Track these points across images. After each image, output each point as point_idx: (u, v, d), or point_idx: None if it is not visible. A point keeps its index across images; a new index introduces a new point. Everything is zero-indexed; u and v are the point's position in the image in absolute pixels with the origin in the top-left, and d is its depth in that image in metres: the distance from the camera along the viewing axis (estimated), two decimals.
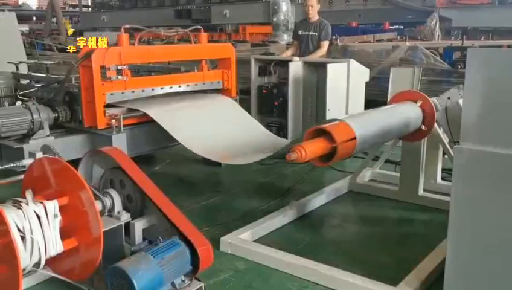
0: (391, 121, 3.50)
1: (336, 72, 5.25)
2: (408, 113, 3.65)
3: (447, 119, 3.97)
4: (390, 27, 12.76)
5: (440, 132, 4.01)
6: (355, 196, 4.43)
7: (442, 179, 4.47)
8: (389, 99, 4.12)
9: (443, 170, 4.49)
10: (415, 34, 11.51)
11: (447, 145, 4.01)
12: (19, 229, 2.34)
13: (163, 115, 4.39)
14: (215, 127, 4.66)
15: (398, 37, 11.11)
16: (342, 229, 3.83)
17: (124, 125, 4.24)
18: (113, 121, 4.19)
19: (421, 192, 4.16)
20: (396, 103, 3.79)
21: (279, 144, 4.51)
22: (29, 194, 2.53)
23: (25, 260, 2.36)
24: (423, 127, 3.73)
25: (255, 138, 4.76)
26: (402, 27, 13.03)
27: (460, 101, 3.85)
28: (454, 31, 12.04)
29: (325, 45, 6.23)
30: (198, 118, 4.64)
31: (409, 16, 12.44)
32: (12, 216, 2.33)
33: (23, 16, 20.62)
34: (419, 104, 3.71)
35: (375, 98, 6.00)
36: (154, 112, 4.38)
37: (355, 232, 3.80)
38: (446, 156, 4.21)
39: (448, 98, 4.02)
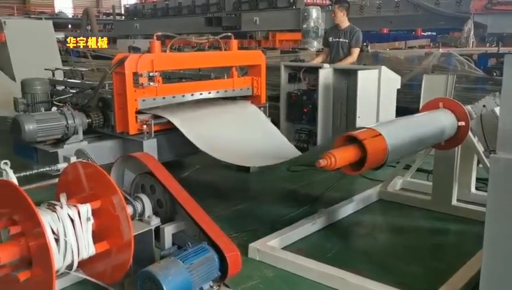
0: (424, 130, 3.43)
1: (366, 79, 5.19)
2: (442, 120, 3.57)
3: (482, 127, 3.88)
4: (423, 33, 12.55)
5: (475, 140, 3.91)
6: (385, 205, 4.36)
7: (477, 189, 4.36)
8: (421, 107, 4.04)
9: (477, 179, 4.38)
10: (449, 40, 11.29)
11: (482, 155, 3.90)
12: (53, 232, 2.40)
13: (188, 125, 4.42)
14: (237, 134, 4.71)
15: (431, 44, 10.93)
16: (371, 238, 3.78)
17: (154, 131, 4.30)
18: (145, 126, 4.25)
19: (454, 202, 4.06)
20: (429, 111, 3.72)
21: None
22: (63, 198, 2.59)
23: (58, 261, 2.41)
24: (460, 123, 3.60)
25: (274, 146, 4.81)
26: (435, 33, 12.80)
27: (496, 109, 3.75)
28: (489, 37, 11.76)
29: (356, 51, 6.17)
30: (221, 127, 4.69)
31: (441, 22, 12.21)
32: (47, 219, 2.39)
33: (59, 24, 21.24)
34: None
35: (406, 106, 5.91)
36: (179, 121, 4.40)
37: (385, 241, 3.74)
38: (481, 165, 4.10)
39: (484, 105, 3.94)
